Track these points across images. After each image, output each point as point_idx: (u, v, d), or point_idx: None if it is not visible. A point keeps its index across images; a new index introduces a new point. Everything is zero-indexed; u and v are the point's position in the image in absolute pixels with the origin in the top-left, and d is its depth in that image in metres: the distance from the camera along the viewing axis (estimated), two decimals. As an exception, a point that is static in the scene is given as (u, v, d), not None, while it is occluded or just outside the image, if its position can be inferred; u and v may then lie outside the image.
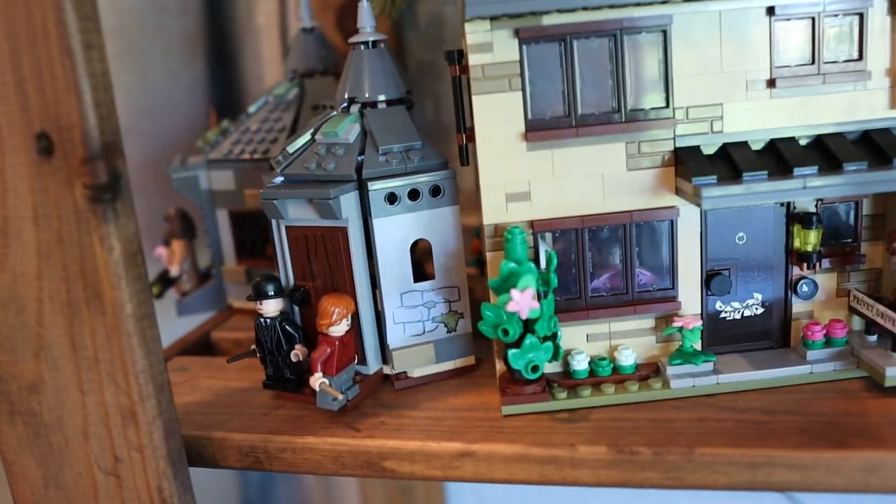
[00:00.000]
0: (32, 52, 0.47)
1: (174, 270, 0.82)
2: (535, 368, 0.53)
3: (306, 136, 0.64)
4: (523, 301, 0.49)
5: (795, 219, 0.56)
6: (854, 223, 0.57)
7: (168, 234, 0.84)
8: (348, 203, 0.59)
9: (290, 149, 0.65)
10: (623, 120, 0.53)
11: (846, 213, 0.57)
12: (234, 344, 0.78)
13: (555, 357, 0.54)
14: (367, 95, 0.63)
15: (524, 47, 0.52)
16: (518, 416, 0.54)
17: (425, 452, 0.52)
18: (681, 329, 0.55)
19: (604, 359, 0.57)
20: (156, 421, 0.52)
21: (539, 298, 0.52)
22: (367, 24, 0.63)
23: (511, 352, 0.53)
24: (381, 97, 0.63)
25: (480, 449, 0.51)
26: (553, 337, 0.54)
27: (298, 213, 0.61)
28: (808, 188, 0.50)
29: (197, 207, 0.82)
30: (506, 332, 0.52)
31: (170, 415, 0.53)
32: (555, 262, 0.53)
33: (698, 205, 0.50)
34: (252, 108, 0.81)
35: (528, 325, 0.52)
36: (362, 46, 0.63)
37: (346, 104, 0.64)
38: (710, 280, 0.56)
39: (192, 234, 0.84)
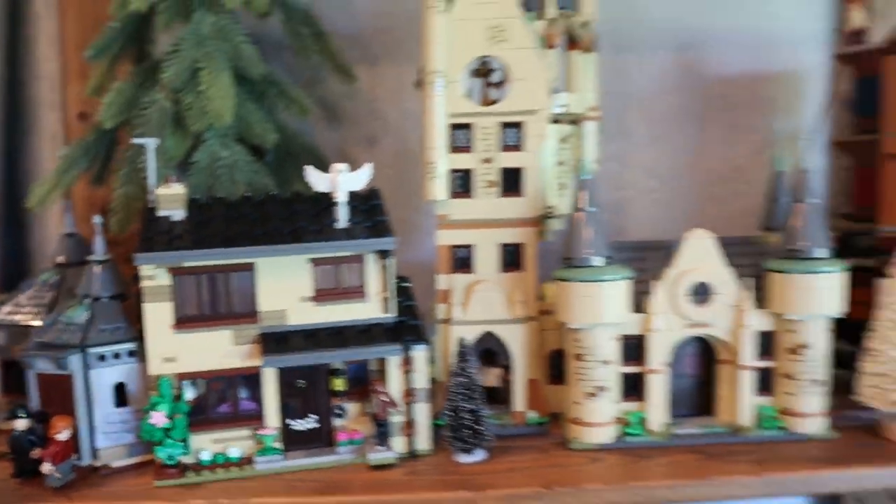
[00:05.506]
0: None
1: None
2: (171, 458, 0.93)
3: (54, 316, 1.03)
4: (158, 418, 0.90)
5: (331, 372, 1.00)
6: (365, 374, 1.02)
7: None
8: (75, 361, 0.98)
9: (46, 322, 1.04)
10: (231, 316, 0.97)
11: (364, 367, 1.02)
12: None
13: (186, 452, 0.95)
14: (95, 293, 1.03)
15: (175, 278, 0.95)
16: (165, 488, 0.94)
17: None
18: (263, 436, 0.97)
19: (220, 454, 0.98)
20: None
21: (174, 418, 0.93)
22: (99, 249, 1.04)
23: (156, 448, 0.93)
24: (105, 294, 1.03)
25: (135, 506, 0.91)
26: (185, 440, 0.94)
27: (45, 365, 0.99)
28: (327, 358, 0.95)
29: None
30: (152, 436, 0.92)
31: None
32: (184, 398, 0.95)
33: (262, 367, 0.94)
34: (24, 287, 1.19)
35: (167, 432, 0.93)
36: (95, 264, 1.04)
37: (83, 297, 1.04)
38: (285, 408, 0.99)
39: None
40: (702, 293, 1.04)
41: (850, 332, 1.07)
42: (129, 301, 1.06)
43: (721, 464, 0.98)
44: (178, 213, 0.99)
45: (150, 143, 1.03)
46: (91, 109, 1.42)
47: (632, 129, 1.49)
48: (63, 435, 0.96)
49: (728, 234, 1.13)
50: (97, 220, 1.05)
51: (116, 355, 0.99)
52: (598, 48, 1.20)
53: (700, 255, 1.03)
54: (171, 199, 0.99)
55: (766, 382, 1.06)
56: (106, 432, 1.00)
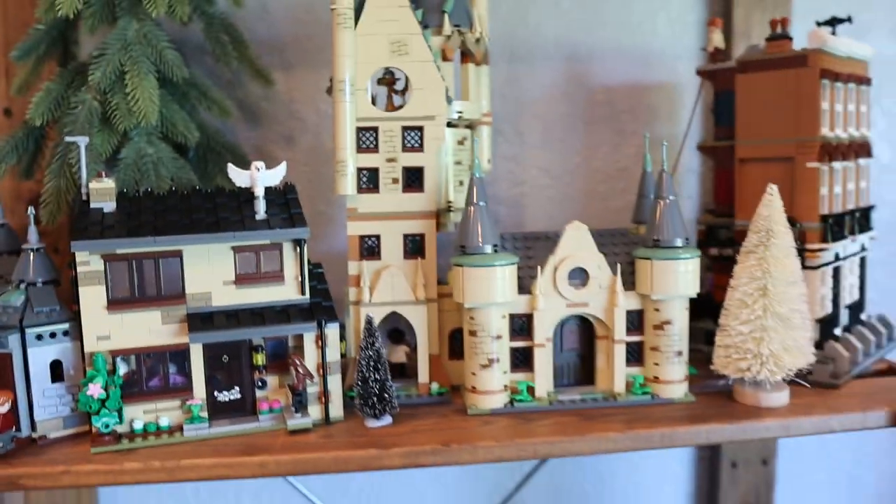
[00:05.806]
0: None
1: None
2: (106, 426, 1.03)
3: (-8, 301, 1.12)
4: (94, 390, 1.00)
5: (253, 348, 1.11)
6: (283, 350, 1.14)
7: None
8: (14, 340, 1.06)
9: (-18, 307, 1.12)
10: (160, 298, 1.07)
11: (282, 343, 1.14)
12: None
13: (120, 421, 1.05)
14: (31, 279, 1.12)
15: (107, 264, 1.05)
16: (101, 454, 1.03)
17: (43, 473, 1.00)
18: (191, 406, 1.08)
19: (152, 423, 1.08)
20: None
21: (109, 389, 1.03)
22: (33, 239, 1.13)
23: (93, 417, 1.03)
24: (39, 280, 1.12)
25: (73, 469, 1.00)
26: (119, 410, 1.04)
27: (-16, 345, 1.08)
28: (247, 335, 1.07)
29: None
30: (89, 406, 1.02)
31: None
32: (119, 372, 1.05)
33: (190, 343, 1.05)
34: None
35: (103, 402, 1.02)
36: (30, 252, 1.12)
37: (18, 283, 1.12)
38: (211, 381, 1.10)
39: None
40: (580, 277, 1.19)
41: (716, 313, 1.24)
42: (61, 286, 1.15)
43: (596, 423, 1.13)
44: (109, 206, 1.09)
45: (82, 141, 1.13)
46: (15, 106, 1.50)
47: (527, 132, 1.65)
48: (3, 408, 1.04)
49: (613, 226, 1.30)
50: (31, 211, 1.13)
51: (52, 335, 1.08)
52: (492, 60, 1.34)
53: (578, 244, 1.19)
54: (103, 192, 1.09)
55: (636, 354, 1.23)
56: (43, 406, 1.08)
